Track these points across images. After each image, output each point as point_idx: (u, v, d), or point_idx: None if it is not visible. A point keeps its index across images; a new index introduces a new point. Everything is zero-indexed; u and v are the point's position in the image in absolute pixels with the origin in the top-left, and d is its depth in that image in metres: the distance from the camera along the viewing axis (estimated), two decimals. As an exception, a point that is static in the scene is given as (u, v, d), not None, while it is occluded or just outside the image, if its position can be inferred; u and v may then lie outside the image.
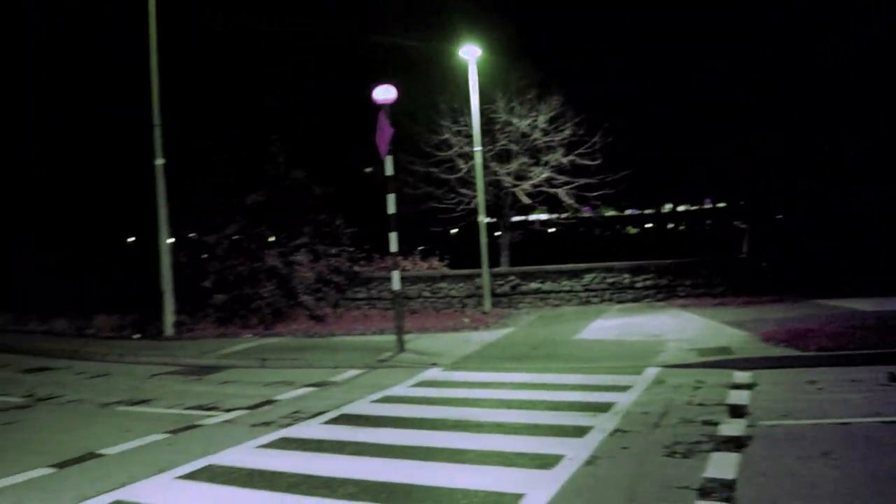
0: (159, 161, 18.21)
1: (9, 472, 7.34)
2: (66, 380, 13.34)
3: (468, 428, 8.03)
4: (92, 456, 7.89)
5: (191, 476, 6.93)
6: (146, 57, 18.27)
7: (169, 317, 18.04)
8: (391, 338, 14.27)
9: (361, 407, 9.57)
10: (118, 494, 6.49)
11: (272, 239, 20.49)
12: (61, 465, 7.55)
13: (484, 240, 20.08)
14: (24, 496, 6.58)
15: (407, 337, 13.83)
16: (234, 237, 19.79)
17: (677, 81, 31.34)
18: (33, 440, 8.87)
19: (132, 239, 32.47)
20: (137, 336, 18.24)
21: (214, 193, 20.11)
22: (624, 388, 9.91)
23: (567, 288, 20.84)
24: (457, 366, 12.24)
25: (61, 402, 11.16)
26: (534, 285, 20.99)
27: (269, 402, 10.27)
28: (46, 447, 8.43)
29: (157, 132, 18.24)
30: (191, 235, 20.70)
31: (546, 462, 6.72)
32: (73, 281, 25.01)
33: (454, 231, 27.80)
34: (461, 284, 21.23)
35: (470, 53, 19.97)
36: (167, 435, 8.63)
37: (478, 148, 20.54)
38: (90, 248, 32.05)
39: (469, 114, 21.00)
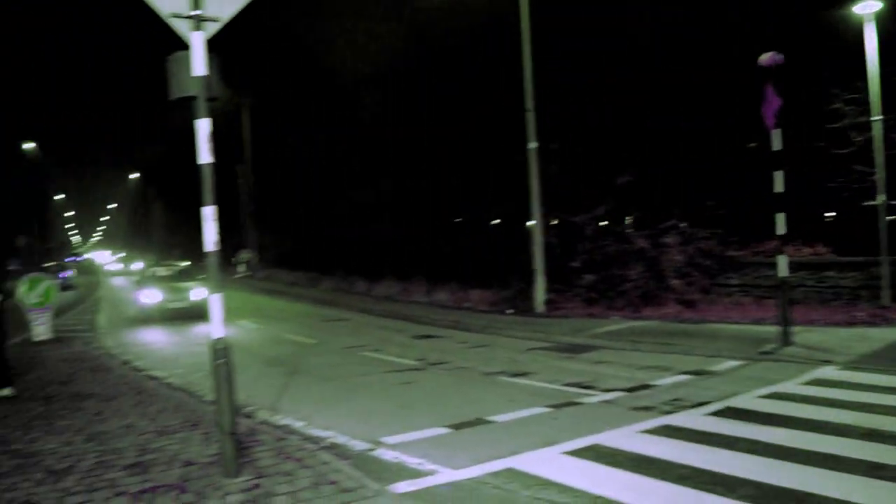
0: (532, 144, 18.83)
1: (414, 427, 8.04)
2: (451, 347, 14.40)
3: (886, 440, 6.99)
4: (481, 421, 8.31)
5: (577, 453, 6.94)
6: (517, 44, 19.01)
7: (540, 295, 18.65)
8: (771, 328, 13.16)
9: (748, 401, 8.88)
10: (509, 462, 6.71)
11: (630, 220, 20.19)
12: (456, 427, 8.06)
13: (883, 223, 17.67)
14: (429, 452, 7.10)
15: (791, 329, 12.63)
16: (601, 219, 19.85)
17: None
18: (429, 401, 9.62)
19: (496, 221, 34.57)
20: (510, 311, 19.15)
21: (583, 175, 20.34)
22: None
23: None
24: (855, 365, 10.85)
25: (449, 368, 12.02)
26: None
27: (646, 386, 10.01)
28: (440, 408, 9.09)
29: (530, 117, 18.86)
30: (558, 218, 21.16)
31: None
32: (452, 258, 27.20)
33: (831, 214, 25.04)
34: (852, 273, 18.98)
35: (867, 8, 17.60)
36: (549, 409, 8.80)
37: (877, 117, 18.06)
38: (458, 229, 34.74)
39: (865, 78, 18.53)
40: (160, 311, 20.53)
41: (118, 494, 5.69)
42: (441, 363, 12.52)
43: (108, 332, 18.64)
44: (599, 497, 5.75)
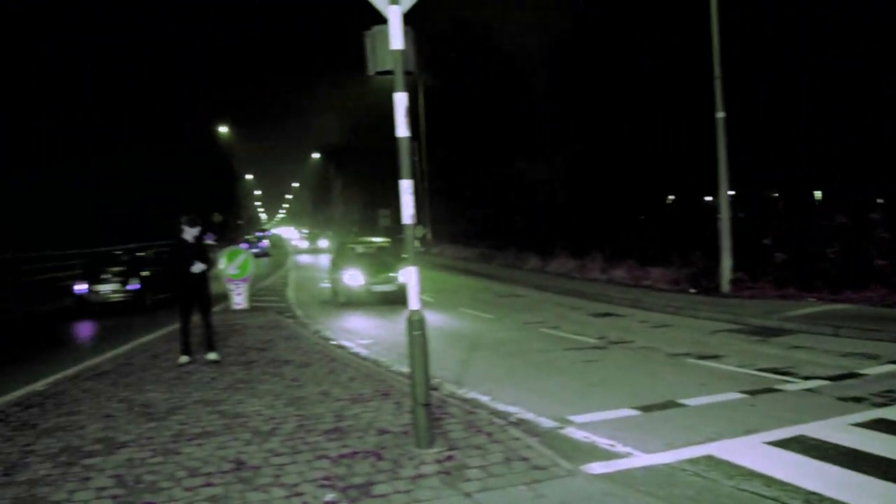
0: (720, 114, 17.82)
1: (601, 407, 7.84)
2: (632, 326, 13.98)
3: None
4: (673, 404, 7.96)
5: (781, 444, 6.47)
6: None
7: (726, 273, 17.72)
8: None
9: (979, 397, 7.96)
10: (706, 449, 6.37)
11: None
12: (645, 409, 7.77)
13: None
14: (619, 433, 6.88)
15: None
16: (793, 192, 18.52)
17: None
18: (614, 380, 9.36)
19: (671, 197, 33.34)
20: (693, 291, 18.35)
21: (772, 146, 19.04)
22: None
23: None
24: None
25: (632, 348, 11.66)
26: None
27: (853, 375, 9.21)
28: (627, 388, 8.81)
29: (718, 84, 17.84)
30: (745, 192, 19.98)
31: None
32: (628, 234, 26.47)
33: None
34: None
35: None
36: (744, 395, 8.29)
37: None
38: (634, 204, 33.71)
39: None
40: (366, 294, 18.27)
41: (319, 458, 5.91)
42: (623, 342, 12.18)
43: (297, 304, 19.63)
44: (813, 493, 5.31)
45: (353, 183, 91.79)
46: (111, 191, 43.17)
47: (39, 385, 9.53)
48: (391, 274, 18.57)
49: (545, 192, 36.70)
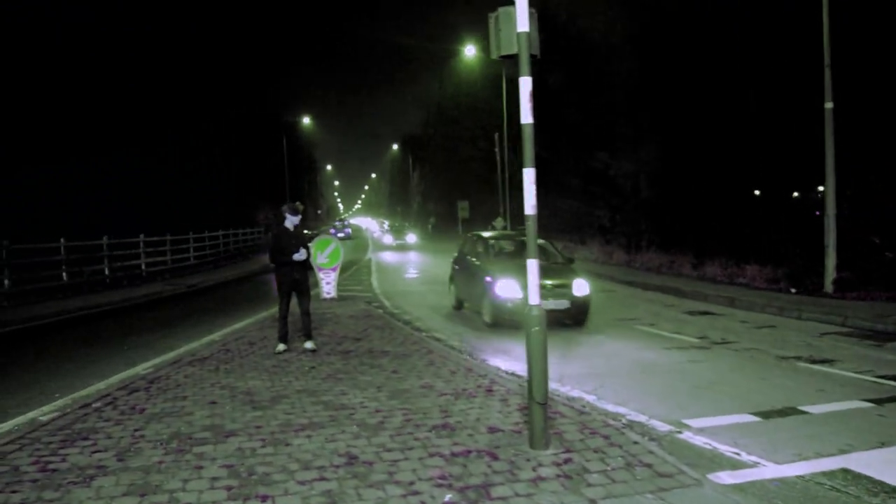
0: (829, 105, 16.93)
1: (717, 411, 7.44)
2: (732, 326, 13.39)
3: None
4: (794, 411, 7.49)
5: (925, 458, 5.96)
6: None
7: (830, 272, 16.86)
8: None
9: None
10: (841, 461, 5.93)
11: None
12: (764, 416, 7.33)
13: None
14: (740, 440, 6.49)
15: None
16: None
17: None
18: (725, 383, 8.89)
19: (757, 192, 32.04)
20: (794, 290, 17.52)
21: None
22: None
23: None
24: None
25: (737, 349, 11.12)
26: None
27: None
28: (741, 392, 8.36)
29: (828, 73, 16.94)
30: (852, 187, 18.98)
31: None
32: (721, 230, 25.55)
33: None
34: None
35: None
36: (870, 404, 7.74)
37: None
38: (719, 200, 32.52)
39: None
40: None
41: (432, 455, 5.69)
42: (726, 342, 11.64)
43: (383, 294, 19.59)
44: (976, 516, 4.83)
45: (432, 174, 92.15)
46: (201, 180, 44.31)
47: (141, 368, 9.65)
48: (562, 283, 12.96)
49: (630, 186, 35.85)
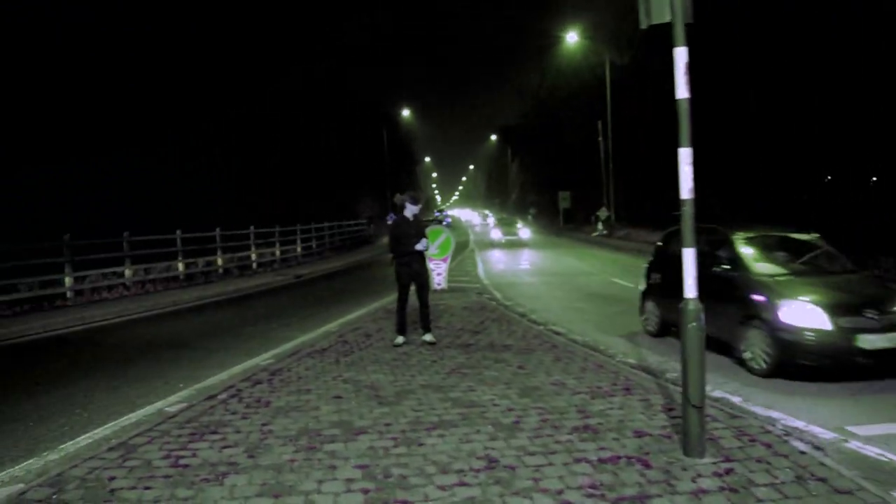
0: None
1: (880, 419, 6.70)
2: None
3: None
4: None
5: None
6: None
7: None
8: None
9: None
10: None
11: None
12: (941, 424, 6.52)
13: None
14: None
15: None
16: None
17: None
18: (887, 388, 8.05)
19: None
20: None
21: None
22: None
23: None
24: None
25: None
26: None
27: None
28: (908, 397, 7.53)
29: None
30: None
31: None
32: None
33: None
34: None
35: None
36: None
37: None
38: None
39: None
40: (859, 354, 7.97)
41: (577, 461, 5.23)
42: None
43: (492, 285, 19.19)
44: None
45: (531, 165, 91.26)
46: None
47: (261, 359, 9.56)
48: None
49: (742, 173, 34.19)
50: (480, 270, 23.91)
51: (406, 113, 75.19)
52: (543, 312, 13.81)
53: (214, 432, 5.98)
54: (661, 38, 5.79)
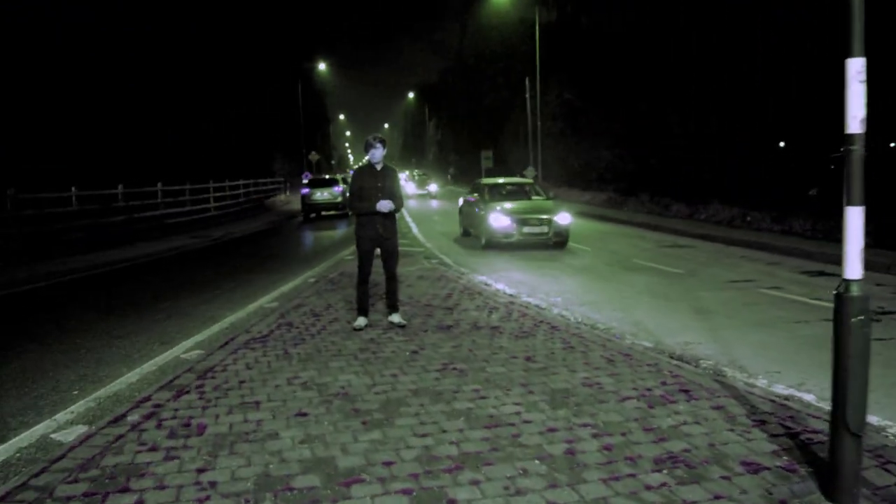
0: None
1: None
2: (883, 294, 11.05)
3: None
4: None
5: None
6: None
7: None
8: None
9: None
10: None
11: None
12: None
13: None
14: None
15: None
16: None
17: None
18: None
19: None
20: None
21: None
22: None
23: None
24: None
25: None
26: None
27: None
28: None
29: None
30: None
31: None
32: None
33: None
34: None
35: None
36: None
37: None
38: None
39: None
40: None
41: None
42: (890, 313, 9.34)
43: (436, 248, 17.33)
44: None
45: (450, 124, 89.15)
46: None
47: (183, 350, 7.45)
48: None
49: (684, 135, 33.20)
50: (416, 231, 21.99)
51: (322, 67, 71.64)
52: (506, 281, 12.00)
53: (125, 490, 3.89)
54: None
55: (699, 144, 31.16)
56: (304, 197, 29.79)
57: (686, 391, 5.45)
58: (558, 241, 16.59)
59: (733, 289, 11.37)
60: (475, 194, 19.08)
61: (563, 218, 16.62)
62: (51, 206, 18.90)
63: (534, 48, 42.64)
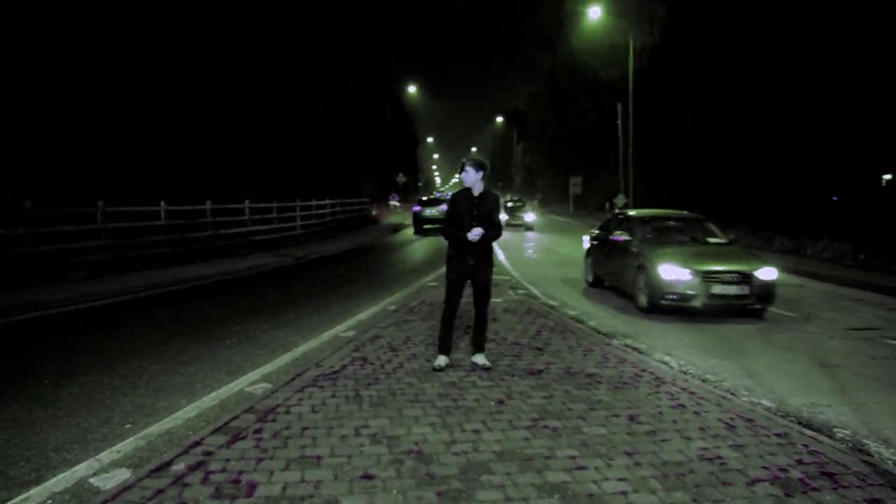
0: None
1: None
2: None
3: None
4: None
5: None
6: None
7: None
8: None
9: None
10: None
11: None
12: None
13: None
14: None
15: None
16: None
17: None
18: None
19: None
20: None
21: None
22: None
23: None
24: None
25: None
26: None
27: None
28: None
29: None
30: None
31: None
32: None
33: None
34: None
35: None
36: None
37: None
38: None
39: None
40: None
41: None
42: None
43: (523, 278, 16.50)
44: None
45: (537, 148, 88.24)
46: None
47: (248, 383, 6.87)
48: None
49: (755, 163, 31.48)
50: (502, 258, 21.20)
51: (412, 90, 72.08)
52: (598, 318, 11.10)
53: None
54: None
55: (809, 179, 29.36)
56: (415, 213, 35.80)
57: (829, 475, 4.48)
58: (761, 308, 11.79)
59: (856, 338, 10.16)
60: (620, 232, 13.59)
61: (768, 273, 11.59)
62: (133, 220, 18.93)
63: (626, 72, 41.54)
